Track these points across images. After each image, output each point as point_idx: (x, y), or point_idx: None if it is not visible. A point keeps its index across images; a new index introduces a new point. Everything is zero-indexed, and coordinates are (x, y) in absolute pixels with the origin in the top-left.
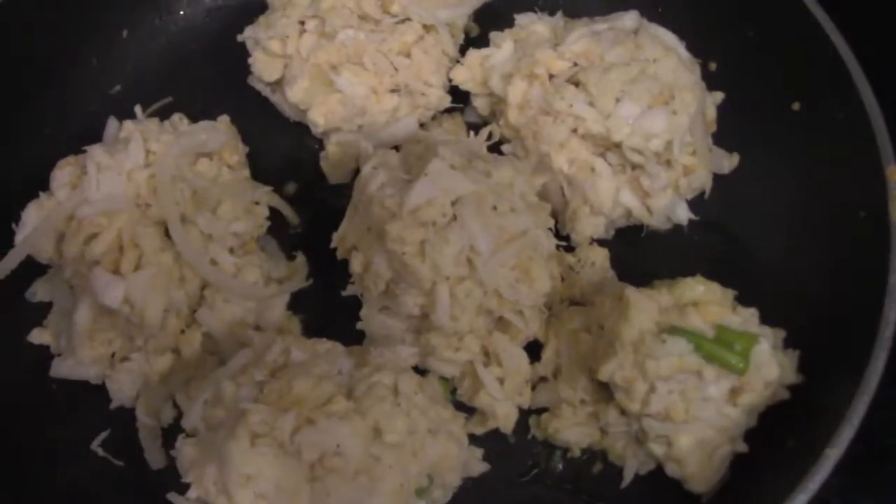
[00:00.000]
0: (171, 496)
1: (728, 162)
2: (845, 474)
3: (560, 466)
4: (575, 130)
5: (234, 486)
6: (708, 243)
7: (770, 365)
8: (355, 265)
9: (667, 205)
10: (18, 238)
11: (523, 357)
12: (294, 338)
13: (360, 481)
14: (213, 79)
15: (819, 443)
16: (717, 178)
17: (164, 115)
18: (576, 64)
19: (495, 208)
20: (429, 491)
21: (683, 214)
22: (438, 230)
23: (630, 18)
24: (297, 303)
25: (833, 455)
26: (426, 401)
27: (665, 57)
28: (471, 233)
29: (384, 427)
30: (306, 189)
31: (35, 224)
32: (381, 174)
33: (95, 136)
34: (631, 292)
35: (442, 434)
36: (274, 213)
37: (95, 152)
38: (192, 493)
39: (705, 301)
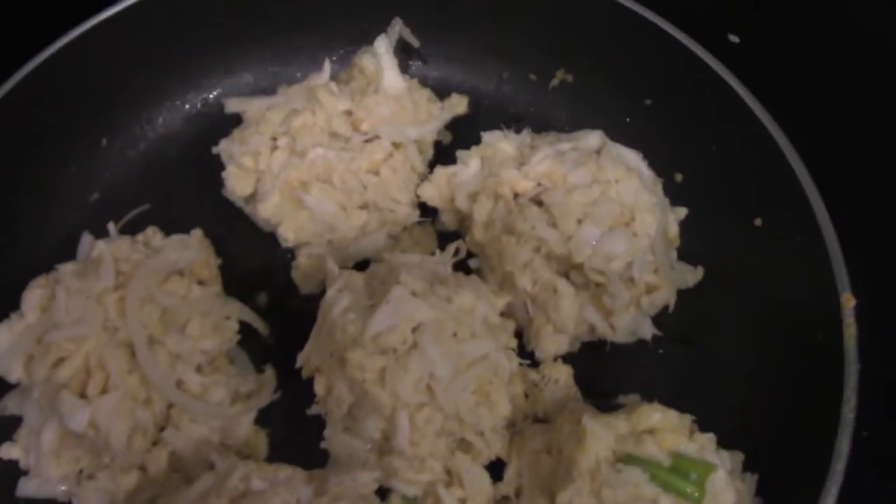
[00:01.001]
0: None
1: (692, 276)
2: None
3: None
4: (538, 249)
5: None
6: (672, 357)
7: (726, 492)
8: (319, 388)
9: (630, 321)
10: None
11: (485, 477)
12: (255, 464)
13: None
14: (189, 186)
15: None
16: (682, 292)
17: (139, 224)
18: (540, 184)
19: (455, 335)
20: None
21: (647, 330)
22: (399, 357)
23: (594, 138)
24: (264, 416)
25: None
26: None
27: (626, 178)
28: (431, 360)
29: None
30: (278, 298)
31: (5, 346)
32: (345, 298)
33: (72, 247)
34: (587, 420)
35: None
36: (245, 323)
37: (65, 275)
38: None
39: (662, 428)
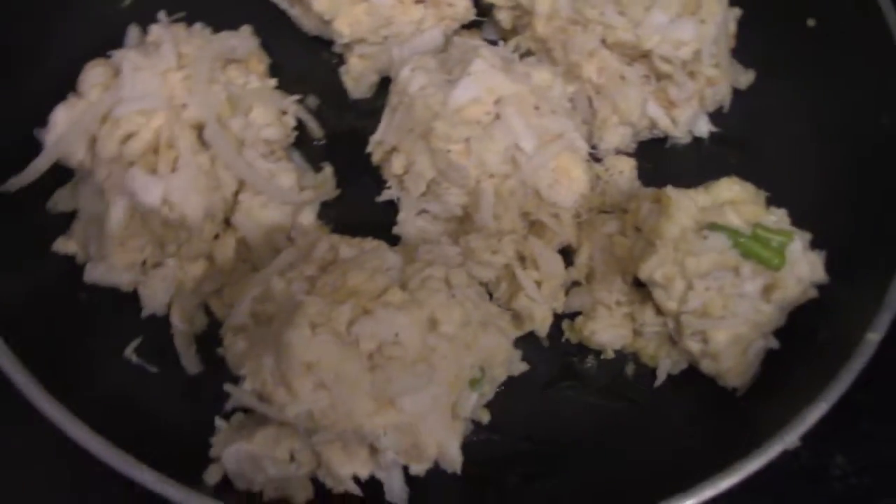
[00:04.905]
0: (229, 387)
1: (745, 78)
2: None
3: (594, 369)
4: (604, 41)
5: (293, 376)
6: (728, 156)
7: (801, 262)
8: (396, 167)
9: (689, 117)
10: (49, 140)
11: (559, 260)
12: (340, 236)
13: (418, 369)
14: None
15: (854, 331)
16: (736, 94)
17: None
18: None
19: (537, 108)
20: (481, 383)
21: (704, 127)
22: (483, 128)
23: None
24: (324, 214)
25: (873, 339)
26: (476, 295)
27: None
28: (515, 131)
29: (440, 317)
30: (328, 102)
31: (65, 126)
32: (421, 76)
33: (108, 47)
34: (672, 191)
35: (492, 328)
36: (296, 126)
37: (128, 53)
38: (248, 385)
39: (741, 200)
